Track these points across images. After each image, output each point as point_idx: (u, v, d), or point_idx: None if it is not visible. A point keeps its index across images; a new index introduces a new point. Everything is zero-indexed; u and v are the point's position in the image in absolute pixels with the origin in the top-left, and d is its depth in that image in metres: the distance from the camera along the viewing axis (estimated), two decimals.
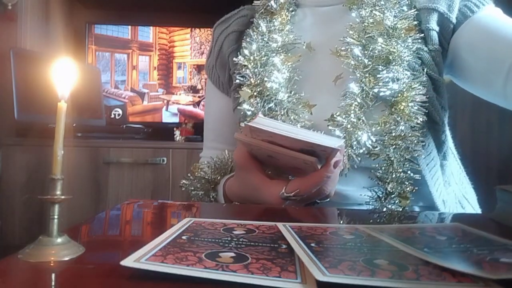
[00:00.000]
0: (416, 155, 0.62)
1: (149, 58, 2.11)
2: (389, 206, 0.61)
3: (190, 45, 2.11)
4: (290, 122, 0.65)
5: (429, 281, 0.25)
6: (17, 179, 1.57)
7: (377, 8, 0.66)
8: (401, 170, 0.61)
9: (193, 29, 2.10)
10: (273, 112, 0.67)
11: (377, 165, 0.62)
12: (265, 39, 0.71)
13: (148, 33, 2.11)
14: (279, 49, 0.70)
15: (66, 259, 0.30)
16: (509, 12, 0.68)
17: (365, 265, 0.27)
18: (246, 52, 0.70)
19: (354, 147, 0.62)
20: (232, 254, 0.29)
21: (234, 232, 0.36)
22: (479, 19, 0.66)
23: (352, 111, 0.63)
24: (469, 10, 0.66)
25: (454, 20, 0.66)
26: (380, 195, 0.62)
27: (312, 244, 0.32)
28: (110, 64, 2.08)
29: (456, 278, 0.25)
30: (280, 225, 0.38)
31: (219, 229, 0.36)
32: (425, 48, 0.66)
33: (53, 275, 0.28)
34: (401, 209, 0.61)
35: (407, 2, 0.68)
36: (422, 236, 0.36)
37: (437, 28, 0.66)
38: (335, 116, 0.63)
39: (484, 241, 0.38)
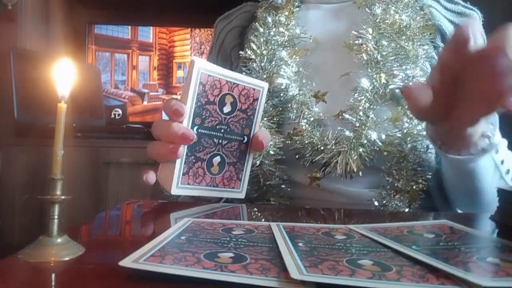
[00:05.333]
0: (428, 155, 0.62)
1: (149, 58, 2.11)
2: (397, 203, 0.61)
3: (190, 45, 2.11)
4: (303, 118, 0.66)
5: (410, 282, 0.25)
6: (17, 179, 1.57)
7: (390, 6, 0.67)
8: (411, 168, 0.61)
9: (193, 29, 2.10)
10: (286, 107, 0.67)
11: (387, 163, 0.62)
12: (271, 33, 0.71)
13: (148, 33, 2.11)
14: (286, 43, 0.71)
15: (66, 259, 0.30)
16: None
17: (348, 265, 0.27)
18: (253, 45, 0.70)
19: (365, 146, 0.61)
20: (231, 255, 0.29)
21: (233, 232, 0.36)
22: None
23: (361, 108, 0.62)
24: None
25: None
26: (389, 192, 0.61)
27: (300, 244, 0.32)
28: (110, 64, 2.08)
29: (439, 281, 0.25)
30: (273, 225, 0.38)
31: (218, 229, 0.37)
32: (437, 58, 0.66)
33: (53, 275, 0.28)
34: (408, 208, 0.61)
35: (419, 4, 0.69)
36: (411, 234, 0.36)
37: (442, 45, 0.68)
38: (343, 112, 0.63)
39: (472, 238, 0.38)
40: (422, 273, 0.27)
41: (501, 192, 0.47)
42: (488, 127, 0.51)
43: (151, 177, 0.52)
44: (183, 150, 0.50)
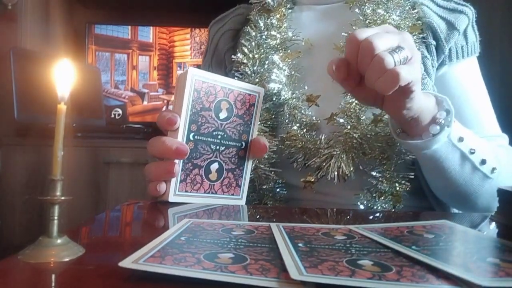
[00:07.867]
0: (410, 156, 0.62)
1: (149, 58, 2.11)
2: (383, 205, 0.61)
3: (190, 45, 2.11)
4: (296, 122, 0.65)
5: (409, 282, 0.25)
6: (17, 179, 1.57)
7: (380, 6, 0.66)
8: (394, 169, 0.61)
9: (193, 29, 2.10)
10: (279, 111, 0.67)
11: (371, 165, 0.62)
12: (263, 36, 0.71)
13: (148, 33, 2.11)
14: (278, 46, 0.70)
15: (66, 260, 0.30)
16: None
17: (348, 265, 0.27)
18: (245, 49, 0.70)
19: (357, 148, 0.61)
20: (231, 255, 0.29)
21: (233, 233, 0.36)
22: (454, 74, 0.69)
23: (352, 110, 0.62)
24: (456, 55, 0.68)
25: (446, 52, 0.67)
26: (374, 195, 0.62)
27: (300, 244, 0.32)
28: (110, 64, 2.08)
29: (439, 281, 0.25)
30: (273, 225, 0.38)
31: (218, 230, 0.37)
32: (429, 56, 0.66)
33: (53, 276, 0.28)
34: (393, 209, 0.61)
35: (410, 3, 0.68)
36: (411, 234, 0.36)
37: (434, 42, 0.67)
38: (335, 115, 0.63)
39: (472, 238, 0.38)
40: (422, 273, 0.27)
41: (501, 192, 0.47)
42: (441, 114, 0.53)
43: (162, 188, 0.52)
44: (178, 168, 0.51)
